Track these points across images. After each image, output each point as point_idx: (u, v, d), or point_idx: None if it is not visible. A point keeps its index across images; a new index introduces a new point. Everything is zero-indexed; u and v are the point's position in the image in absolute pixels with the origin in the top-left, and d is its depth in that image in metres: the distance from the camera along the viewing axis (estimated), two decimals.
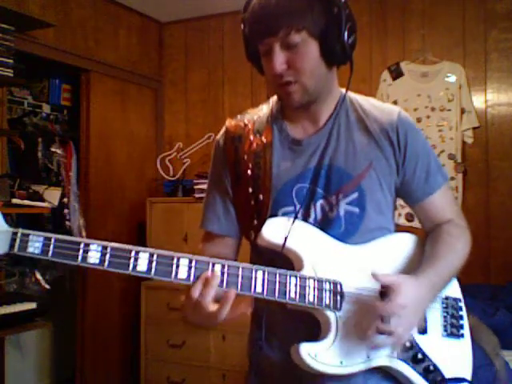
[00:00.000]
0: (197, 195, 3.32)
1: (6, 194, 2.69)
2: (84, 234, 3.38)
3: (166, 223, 3.44)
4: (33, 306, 2.68)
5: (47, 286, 3.17)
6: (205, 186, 1.37)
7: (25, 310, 2.65)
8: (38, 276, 3.16)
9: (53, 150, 3.42)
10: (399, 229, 1.28)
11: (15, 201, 2.73)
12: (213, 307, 0.99)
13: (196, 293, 0.99)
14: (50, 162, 3.42)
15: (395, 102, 3.30)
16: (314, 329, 1.12)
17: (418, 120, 3.23)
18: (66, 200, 3.34)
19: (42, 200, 2.94)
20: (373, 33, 3.44)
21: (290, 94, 1.14)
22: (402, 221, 3.02)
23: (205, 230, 1.27)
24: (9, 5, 2.72)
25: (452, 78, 3.21)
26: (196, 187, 3.37)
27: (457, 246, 1.20)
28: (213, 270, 1.00)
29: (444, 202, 1.26)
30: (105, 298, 3.55)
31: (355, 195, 1.16)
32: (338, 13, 1.08)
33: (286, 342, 1.13)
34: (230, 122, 1.29)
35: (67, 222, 3.33)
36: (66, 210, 3.33)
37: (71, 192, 3.42)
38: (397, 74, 3.33)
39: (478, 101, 3.21)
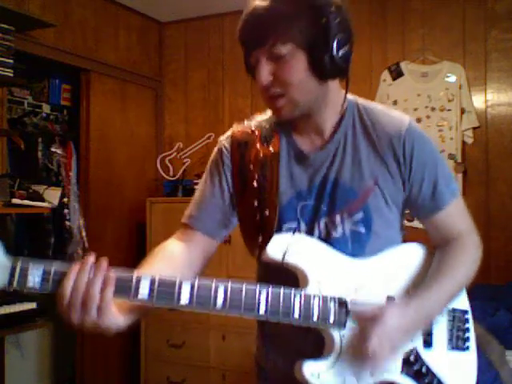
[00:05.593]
0: None
1: (5, 194, 2.69)
2: (84, 233, 3.38)
3: (165, 223, 3.44)
4: (33, 306, 2.68)
5: None
6: None
7: (25, 310, 2.65)
8: None
9: (53, 149, 3.41)
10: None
11: (15, 201, 2.73)
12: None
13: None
14: (49, 162, 3.41)
15: (395, 102, 3.31)
16: (319, 337, 1.09)
17: (418, 120, 3.22)
18: (66, 200, 3.34)
19: (42, 200, 2.94)
20: (373, 33, 3.43)
21: (278, 108, 1.10)
22: None
23: (193, 227, 1.22)
24: (9, 5, 2.72)
25: (452, 78, 3.21)
26: (196, 187, 3.35)
27: (460, 270, 1.17)
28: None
29: (452, 218, 1.20)
30: None
31: (360, 214, 1.13)
32: (326, 23, 1.02)
33: (291, 348, 1.12)
34: (236, 128, 1.24)
35: (67, 222, 3.33)
36: (65, 210, 3.33)
37: (71, 192, 3.42)
38: (397, 73, 3.33)
39: (478, 101, 3.21)
